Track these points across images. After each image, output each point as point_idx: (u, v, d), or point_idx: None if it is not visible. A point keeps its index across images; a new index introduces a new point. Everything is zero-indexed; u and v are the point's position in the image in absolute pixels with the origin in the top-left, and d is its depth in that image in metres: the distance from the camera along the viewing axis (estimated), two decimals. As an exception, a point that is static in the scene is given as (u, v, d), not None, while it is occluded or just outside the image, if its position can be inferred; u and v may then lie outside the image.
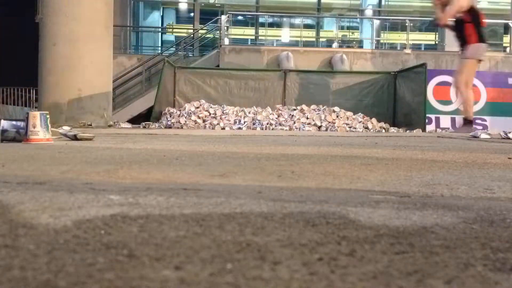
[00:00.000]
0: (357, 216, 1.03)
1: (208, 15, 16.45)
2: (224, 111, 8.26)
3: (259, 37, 16.30)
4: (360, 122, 8.02)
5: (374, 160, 2.37)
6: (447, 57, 12.29)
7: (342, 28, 17.15)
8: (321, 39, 17.06)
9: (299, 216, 1.02)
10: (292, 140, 4.37)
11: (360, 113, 8.31)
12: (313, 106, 8.47)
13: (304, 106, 8.41)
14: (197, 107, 8.46)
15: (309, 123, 7.96)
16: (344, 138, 4.83)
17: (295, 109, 8.39)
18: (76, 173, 1.71)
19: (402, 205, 1.17)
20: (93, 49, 7.90)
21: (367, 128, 7.90)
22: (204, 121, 8.09)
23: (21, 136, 3.45)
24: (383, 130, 7.80)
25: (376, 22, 15.91)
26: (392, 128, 8.11)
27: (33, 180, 1.47)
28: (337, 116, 8.12)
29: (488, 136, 5.49)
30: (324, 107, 8.47)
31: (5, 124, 3.54)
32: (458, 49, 7.19)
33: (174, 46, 15.97)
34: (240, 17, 17.22)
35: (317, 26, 17.37)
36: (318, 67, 12.38)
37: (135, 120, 10.92)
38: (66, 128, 4.89)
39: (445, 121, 8.66)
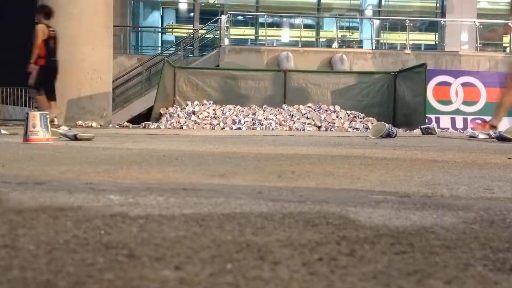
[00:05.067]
0: (357, 216, 1.03)
1: (208, 15, 16.44)
2: (224, 111, 8.26)
3: (259, 37, 16.28)
4: (361, 122, 8.02)
5: (374, 160, 2.37)
6: (447, 57, 12.29)
7: (342, 28, 17.13)
8: (321, 39, 17.04)
9: (299, 216, 1.02)
10: (292, 140, 4.37)
11: (360, 113, 8.31)
12: (309, 104, 8.44)
13: (303, 106, 8.40)
14: (197, 107, 8.46)
15: (309, 123, 7.96)
16: (344, 138, 4.83)
17: (295, 109, 8.39)
18: (76, 173, 1.71)
19: (402, 205, 1.17)
20: (93, 49, 7.91)
21: (367, 128, 7.91)
22: (204, 121, 8.10)
23: None
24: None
25: (376, 22, 15.89)
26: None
27: (33, 180, 1.47)
28: (337, 116, 8.12)
29: (486, 136, 5.53)
30: (320, 104, 8.44)
31: None
32: None
33: (174, 46, 15.96)
34: (240, 17, 17.20)
35: (317, 26, 17.35)
36: (318, 67, 12.38)
37: (135, 120, 10.92)
38: (65, 128, 4.90)
39: (445, 121, 8.66)
